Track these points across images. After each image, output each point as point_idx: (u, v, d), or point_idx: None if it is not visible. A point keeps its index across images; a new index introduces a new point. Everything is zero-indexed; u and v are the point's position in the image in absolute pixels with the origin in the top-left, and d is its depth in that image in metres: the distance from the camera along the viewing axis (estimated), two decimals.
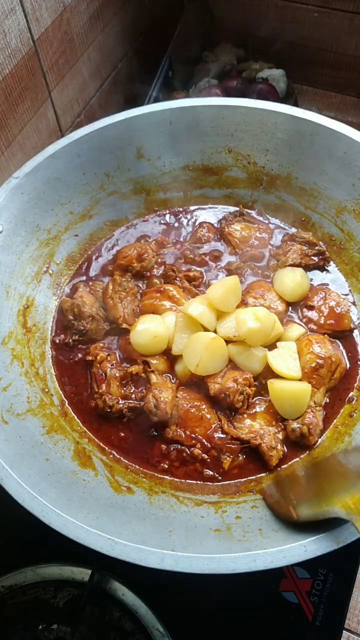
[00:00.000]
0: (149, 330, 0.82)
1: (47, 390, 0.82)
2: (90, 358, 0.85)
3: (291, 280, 0.88)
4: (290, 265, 0.91)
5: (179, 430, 0.78)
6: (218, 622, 0.78)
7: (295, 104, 1.32)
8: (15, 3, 0.85)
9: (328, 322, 0.86)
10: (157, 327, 0.82)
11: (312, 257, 0.93)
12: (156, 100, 1.23)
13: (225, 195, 1.02)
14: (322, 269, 0.94)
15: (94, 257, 0.98)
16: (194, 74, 1.37)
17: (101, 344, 0.87)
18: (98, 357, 0.84)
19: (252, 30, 1.36)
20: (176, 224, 1.01)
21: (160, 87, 1.26)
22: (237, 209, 1.00)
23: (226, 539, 0.64)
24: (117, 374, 0.82)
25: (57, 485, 0.67)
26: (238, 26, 1.38)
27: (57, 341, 0.88)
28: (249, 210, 1.00)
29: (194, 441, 0.77)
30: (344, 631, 0.79)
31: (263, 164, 0.98)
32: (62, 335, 0.88)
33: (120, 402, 0.80)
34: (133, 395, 0.81)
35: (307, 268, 0.92)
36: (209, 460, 0.77)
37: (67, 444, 0.76)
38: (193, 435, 0.77)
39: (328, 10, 1.25)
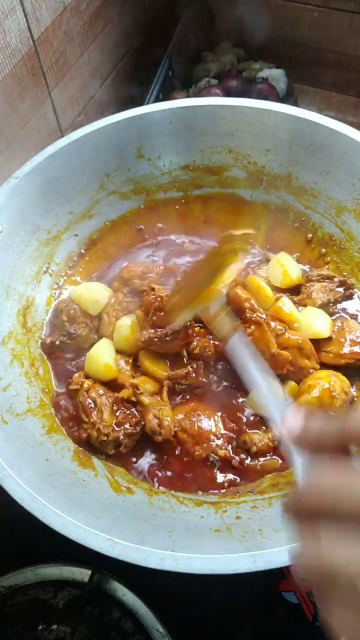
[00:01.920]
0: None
1: (47, 390, 0.82)
2: (74, 387, 0.80)
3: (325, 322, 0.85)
4: (321, 305, 0.86)
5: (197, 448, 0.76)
6: (218, 622, 0.78)
7: (295, 104, 1.32)
8: (15, 3, 0.85)
9: (350, 350, 0.81)
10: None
11: (337, 290, 0.89)
12: (156, 100, 1.23)
13: (226, 195, 1.02)
14: (350, 297, 0.90)
15: (107, 265, 0.98)
16: (194, 74, 1.37)
17: (83, 372, 0.82)
18: (84, 385, 0.79)
19: (252, 30, 1.36)
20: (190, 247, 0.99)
21: (160, 87, 1.26)
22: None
23: (226, 539, 0.64)
24: (106, 401, 0.77)
25: (57, 485, 0.67)
26: (238, 26, 1.37)
27: (47, 342, 0.85)
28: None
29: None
30: None
31: (263, 164, 0.98)
32: (50, 336, 0.86)
33: (116, 429, 0.76)
34: (127, 423, 0.76)
35: (337, 302, 0.88)
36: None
37: (67, 444, 0.76)
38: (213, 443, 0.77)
39: (328, 10, 1.25)
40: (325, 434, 0.40)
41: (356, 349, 0.81)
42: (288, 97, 1.33)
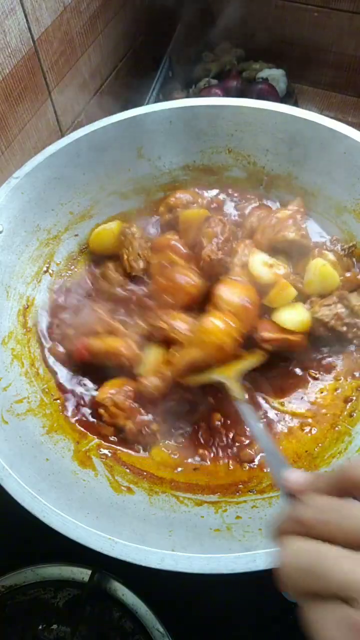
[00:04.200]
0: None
1: (47, 390, 0.82)
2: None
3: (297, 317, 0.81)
4: (317, 318, 0.80)
5: None
6: (218, 622, 0.78)
7: (295, 104, 1.32)
8: (15, 3, 0.85)
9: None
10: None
11: (342, 327, 0.80)
12: (156, 100, 1.24)
13: None
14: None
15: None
16: (194, 74, 1.37)
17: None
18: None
19: (252, 30, 1.36)
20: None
21: (160, 87, 1.26)
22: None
23: (226, 539, 0.64)
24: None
25: (57, 485, 0.67)
26: (238, 26, 1.38)
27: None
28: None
29: None
30: None
31: (263, 164, 0.98)
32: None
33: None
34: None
35: (333, 332, 0.81)
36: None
37: (67, 444, 0.76)
38: None
39: (328, 10, 1.25)
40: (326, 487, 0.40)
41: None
42: (288, 97, 1.33)
